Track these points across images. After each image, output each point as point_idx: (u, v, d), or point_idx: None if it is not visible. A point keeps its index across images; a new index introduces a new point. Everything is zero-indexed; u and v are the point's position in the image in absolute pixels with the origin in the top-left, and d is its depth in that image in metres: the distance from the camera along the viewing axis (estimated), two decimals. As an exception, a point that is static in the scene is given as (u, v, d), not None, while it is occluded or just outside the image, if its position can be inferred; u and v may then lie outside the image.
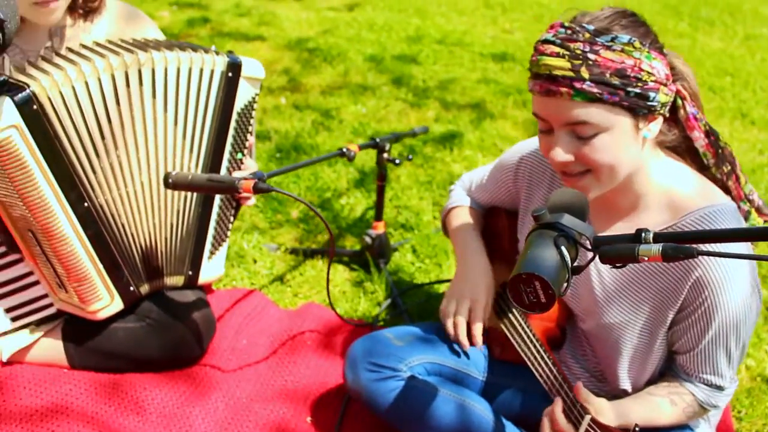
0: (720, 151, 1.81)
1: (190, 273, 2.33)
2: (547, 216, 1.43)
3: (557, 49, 1.60)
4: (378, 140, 2.72)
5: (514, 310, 2.12)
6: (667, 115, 1.72)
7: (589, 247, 1.41)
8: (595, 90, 1.58)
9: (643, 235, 1.35)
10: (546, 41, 1.64)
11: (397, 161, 2.75)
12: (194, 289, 2.38)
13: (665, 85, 1.64)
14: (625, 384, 1.98)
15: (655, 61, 1.61)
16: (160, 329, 2.25)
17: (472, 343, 2.12)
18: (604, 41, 1.58)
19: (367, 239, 2.92)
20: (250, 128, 2.31)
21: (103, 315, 2.16)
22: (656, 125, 1.70)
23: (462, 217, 2.31)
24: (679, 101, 1.74)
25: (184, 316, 2.29)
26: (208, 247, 2.34)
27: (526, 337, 2.05)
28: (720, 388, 1.89)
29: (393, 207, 3.41)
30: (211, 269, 2.39)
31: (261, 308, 2.68)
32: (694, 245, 1.31)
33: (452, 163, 3.87)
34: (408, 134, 2.97)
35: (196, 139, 2.17)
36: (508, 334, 2.11)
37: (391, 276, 2.94)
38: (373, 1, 6.51)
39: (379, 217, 2.92)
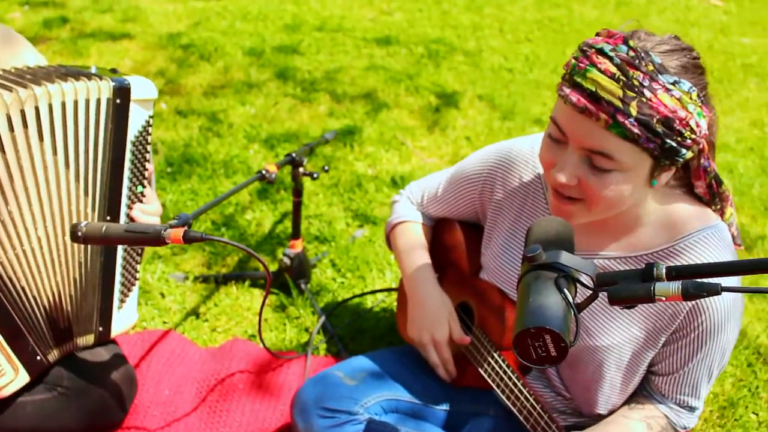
0: (716, 197, 1.69)
1: (101, 329, 2.04)
2: (543, 256, 1.28)
3: (614, 70, 1.41)
4: (294, 155, 2.50)
5: (477, 333, 1.95)
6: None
7: (592, 286, 1.26)
8: (636, 131, 1.41)
9: (654, 270, 1.21)
10: (602, 53, 1.44)
11: (315, 175, 2.54)
12: (106, 345, 2.10)
13: (698, 143, 1.50)
14: (601, 408, 1.86)
15: (702, 120, 1.45)
16: (75, 397, 1.97)
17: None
18: (666, 82, 1.41)
19: (285, 260, 2.70)
20: (147, 156, 2.04)
21: (7, 392, 1.86)
22: (668, 175, 1.56)
23: (412, 235, 2.13)
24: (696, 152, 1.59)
25: (101, 379, 2.02)
26: (117, 296, 2.06)
27: (493, 362, 1.89)
28: (693, 409, 1.82)
29: (303, 217, 3.19)
30: (124, 319, 2.11)
31: (180, 351, 2.42)
32: (715, 280, 1.18)
33: (355, 162, 3.67)
34: (321, 142, 2.76)
35: (90, 180, 1.88)
36: (472, 359, 1.95)
37: (314, 296, 2.73)
38: (241, -13, 6.18)
39: (296, 234, 2.70)
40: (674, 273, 1.21)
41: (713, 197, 1.66)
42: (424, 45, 5.17)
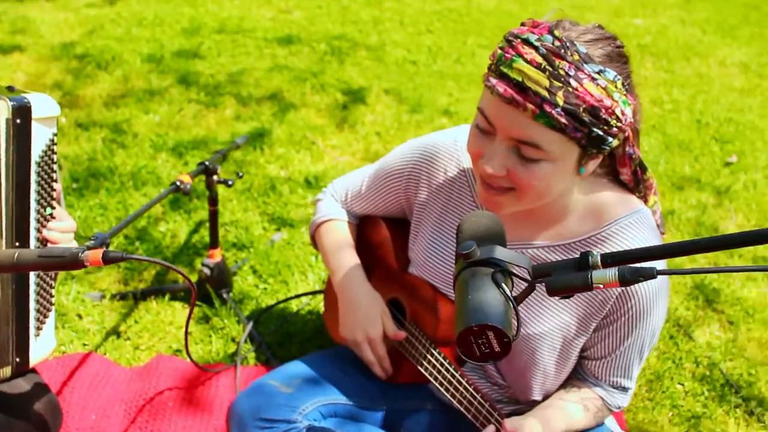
0: (640, 184, 1.72)
1: (18, 360, 1.94)
2: (478, 252, 1.27)
3: (540, 60, 1.41)
4: (207, 164, 2.44)
5: (410, 328, 1.95)
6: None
7: (529, 278, 1.27)
8: (563, 120, 1.42)
9: (590, 259, 1.22)
10: (528, 43, 1.44)
11: (230, 182, 2.49)
12: (25, 375, 2.00)
13: (624, 131, 1.52)
14: (537, 395, 1.89)
15: (628, 108, 1.47)
16: (-4, 433, 1.87)
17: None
18: (592, 71, 1.42)
19: (205, 270, 2.64)
20: (54, 175, 1.95)
21: None
22: (595, 163, 1.58)
23: (338, 234, 2.10)
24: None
25: (23, 411, 1.92)
26: (32, 324, 1.96)
27: (429, 356, 1.89)
28: (626, 390, 1.86)
29: (219, 225, 3.12)
30: (42, 347, 2.01)
31: (103, 373, 2.34)
32: (650, 265, 1.20)
33: (266, 164, 3.62)
34: (232, 148, 2.70)
35: (-6, 207, 1.79)
36: (407, 354, 1.95)
37: (237, 305, 2.68)
38: (133, -8, 6.01)
39: (214, 244, 2.64)
40: (609, 260, 1.23)
41: (637, 184, 1.70)
42: (327, 42, 5.14)
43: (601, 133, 1.45)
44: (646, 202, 1.75)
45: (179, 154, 3.59)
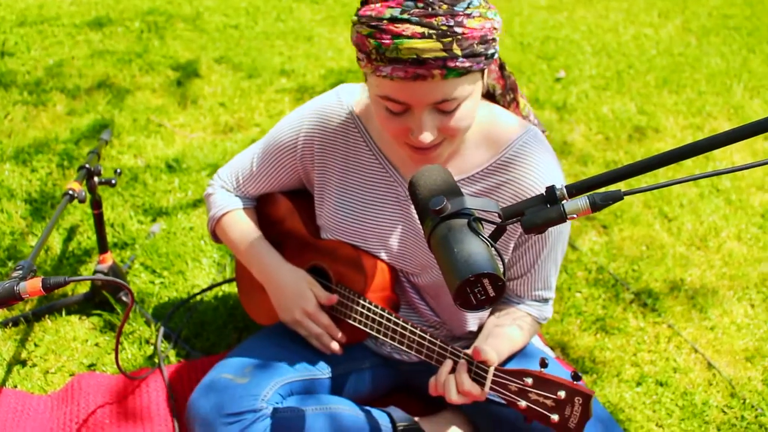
0: (506, 81, 1.81)
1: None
2: (449, 206, 1.31)
3: (420, 29, 1.43)
4: (88, 166, 2.30)
5: (340, 290, 1.96)
6: None
7: (500, 221, 1.33)
8: (467, 64, 1.47)
9: (557, 193, 1.30)
10: (396, 20, 1.44)
11: (113, 181, 2.37)
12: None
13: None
14: (472, 325, 1.98)
15: (497, 15, 1.54)
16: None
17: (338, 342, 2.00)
18: (462, 10, 1.45)
19: (98, 276, 2.51)
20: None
21: None
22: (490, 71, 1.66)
23: (240, 225, 2.06)
24: None
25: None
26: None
27: (365, 311, 1.91)
28: (548, 300, 1.98)
29: (89, 228, 2.98)
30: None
31: (21, 406, 2.19)
32: (617, 188, 1.29)
33: (119, 156, 3.46)
34: (102, 144, 2.56)
35: None
36: (343, 316, 1.96)
37: (141, 306, 2.58)
38: None
39: (103, 248, 2.52)
40: (574, 190, 1.30)
41: (506, 83, 1.80)
42: (140, 19, 4.91)
43: (492, 51, 1.53)
44: (518, 105, 1.85)
45: (23, 161, 3.35)
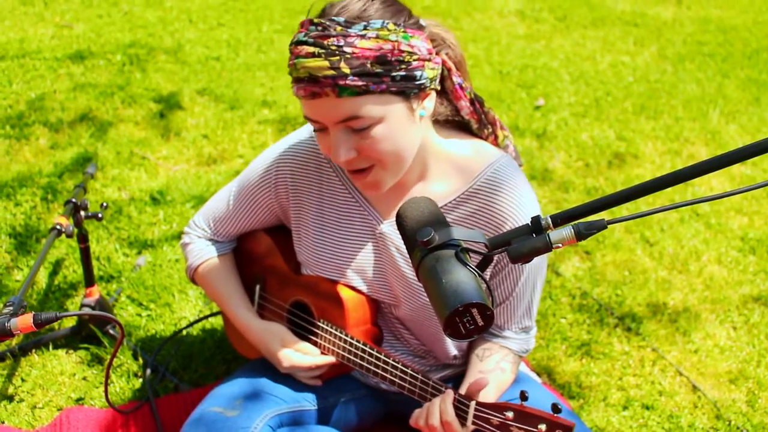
0: (483, 116, 1.83)
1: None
2: (436, 237, 1.33)
3: (312, 49, 1.53)
4: (75, 200, 2.31)
5: (322, 326, 1.97)
6: (439, 88, 1.70)
7: (486, 251, 1.35)
8: (360, 83, 1.52)
9: (542, 222, 1.32)
10: (299, 42, 1.55)
11: (100, 215, 2.38)
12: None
13: (429, 60, 1.61)
14: (453, 351, 1.99)
15: (414, 39, 1.58)
16: None
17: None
18: (357, 31, 1.53)
19: (87, 310, 2.51)
20: None
21: None
22: (430, 101, 1.68)
23: (216, 274, 2.10)
24: (446, 72, 1.72)
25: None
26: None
27: (348, 346, 1.92)
28: (528, 330, 1.99)
29: (75, 261, 2.97)
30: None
31: (9, 443, 2.18)
32: (600, 217, 1.32)
33: (103, 189, 3.47)
34: (88, 177, 2.57)
35: None
36: (328, 352, 1.97)
37: (129, 339, 2.58)
38: None
39: (90, 281, 2.52)
40: (559, 220, 1.33)
41: (481, 119, 1.82)
42: (122, 52, 4.93)
43: (403, 72, 1.56)
44: (496, 138, 1.87)
45: (7, 195, 3.34)
